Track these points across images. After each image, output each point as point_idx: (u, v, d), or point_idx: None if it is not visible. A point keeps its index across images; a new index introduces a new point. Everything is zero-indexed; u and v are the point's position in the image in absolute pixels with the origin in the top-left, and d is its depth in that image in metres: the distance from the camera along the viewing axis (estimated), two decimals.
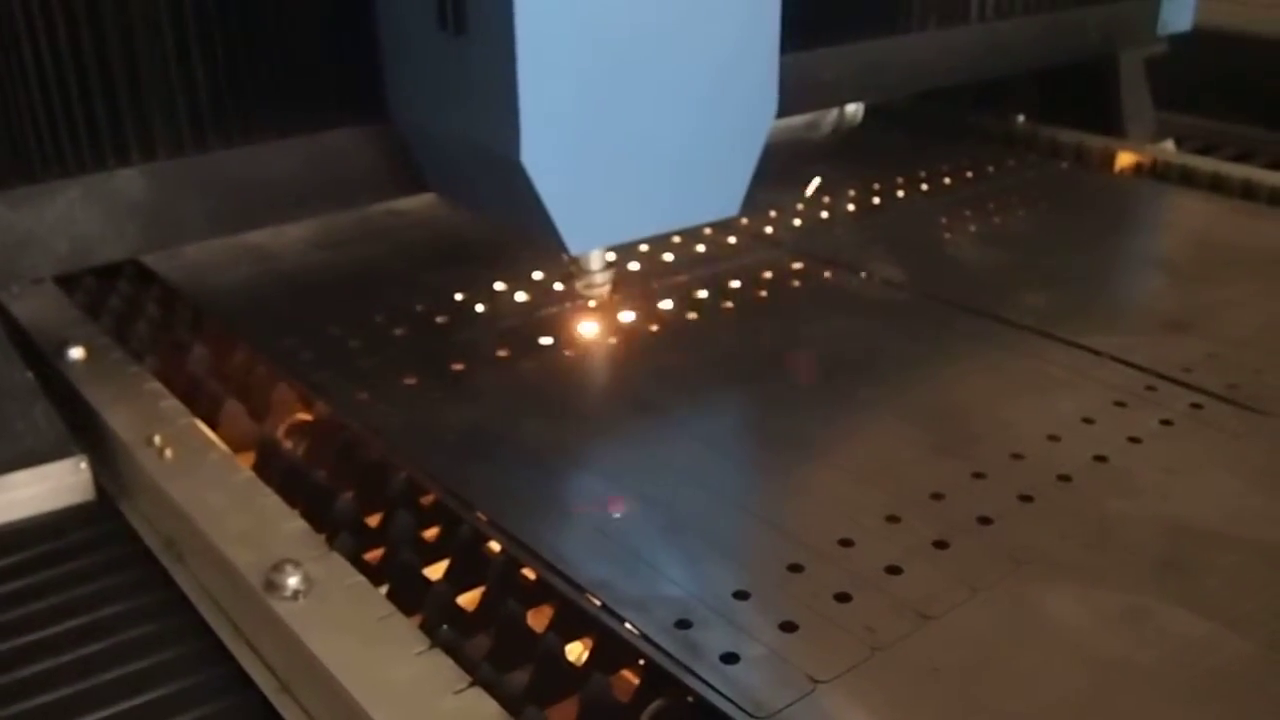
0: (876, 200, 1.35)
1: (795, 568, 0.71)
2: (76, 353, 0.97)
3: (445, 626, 0.68)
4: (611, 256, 0.97)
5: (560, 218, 0.86)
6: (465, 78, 0.86)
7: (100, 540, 0.84)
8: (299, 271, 1.15)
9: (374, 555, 0.78)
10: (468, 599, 0.74)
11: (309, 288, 1.12)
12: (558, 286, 1.09)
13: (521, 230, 0.91)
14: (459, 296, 1.08)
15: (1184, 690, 0.62)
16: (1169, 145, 1.63)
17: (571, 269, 0.97)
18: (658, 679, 0.64)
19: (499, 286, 1.10)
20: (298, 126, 0.96)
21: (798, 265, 1.16)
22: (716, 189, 0.92)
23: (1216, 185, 1.42)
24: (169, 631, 0.75)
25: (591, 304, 1.00)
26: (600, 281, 0.96)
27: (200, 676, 0.72)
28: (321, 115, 0.96)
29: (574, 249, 0.89)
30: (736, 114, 0.90)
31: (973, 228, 1.26)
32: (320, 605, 0.69)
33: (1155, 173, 1.48)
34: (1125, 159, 1.51)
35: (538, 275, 1.12)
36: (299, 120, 0.96)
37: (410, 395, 0.92)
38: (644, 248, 1.19)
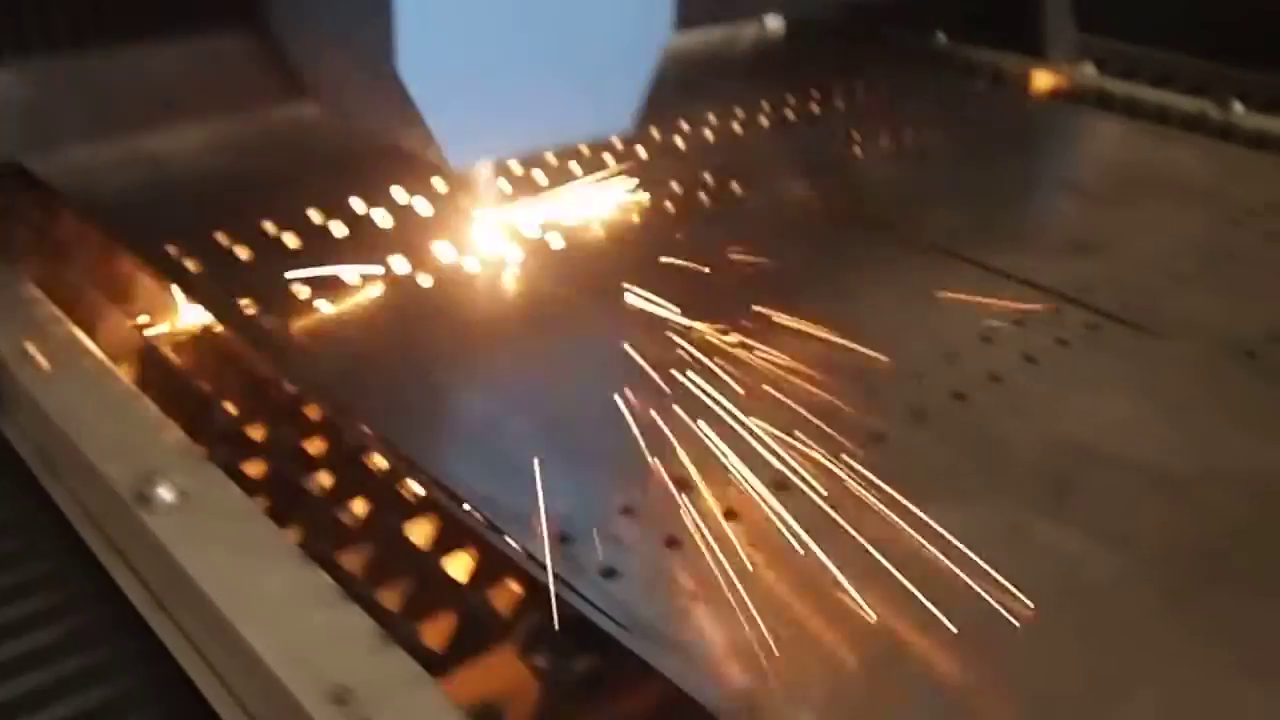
0: (791, 116, 1.33)
1: (682, 484, 0.70)
2: None
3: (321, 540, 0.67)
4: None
5: (440, 130, 0.83)
6: None
7: None
8: (191, 178, 1.11)
9: (255, 469, 0.76)
10: (349, 514, 0.72)
11: (200, 194, 1.07)
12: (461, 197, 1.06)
13: (403, 143, 0.88)
14: (359, 208, 1.04)
15: (1049, 603, 0.62)
16: (1088, 68, 1.62)
17: (458, 179, 0.95)
18: (536, 594, 0.63)
19: (400, 198, 1.07)
20: (177, 27, 0.92)
21: (706, 179, 1.14)
22: (609, 104, 0.90)
23: (1131, 109, 1.41)
24: (41, 544, 0.73)
25: (481, 214, 0.96)
26: (488, 193, 0.93)
27: (71, 589, 0.70)
28: (202, 16, 0.92)
29: (456, 163, 0.86)
30: (629, 26, 0.88)
31: (885, 146, 1.25)
32: (193, 518, 0.67)
33: (1071, 95, 1.47)
34: (1042, 80, 1.50)
35: (440, 186, 1.08)
36: (177, 21, 0.91)
37: (299, 307, 0.89)
38: (550, 159, 1.16)
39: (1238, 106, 1.36)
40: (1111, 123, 1.37)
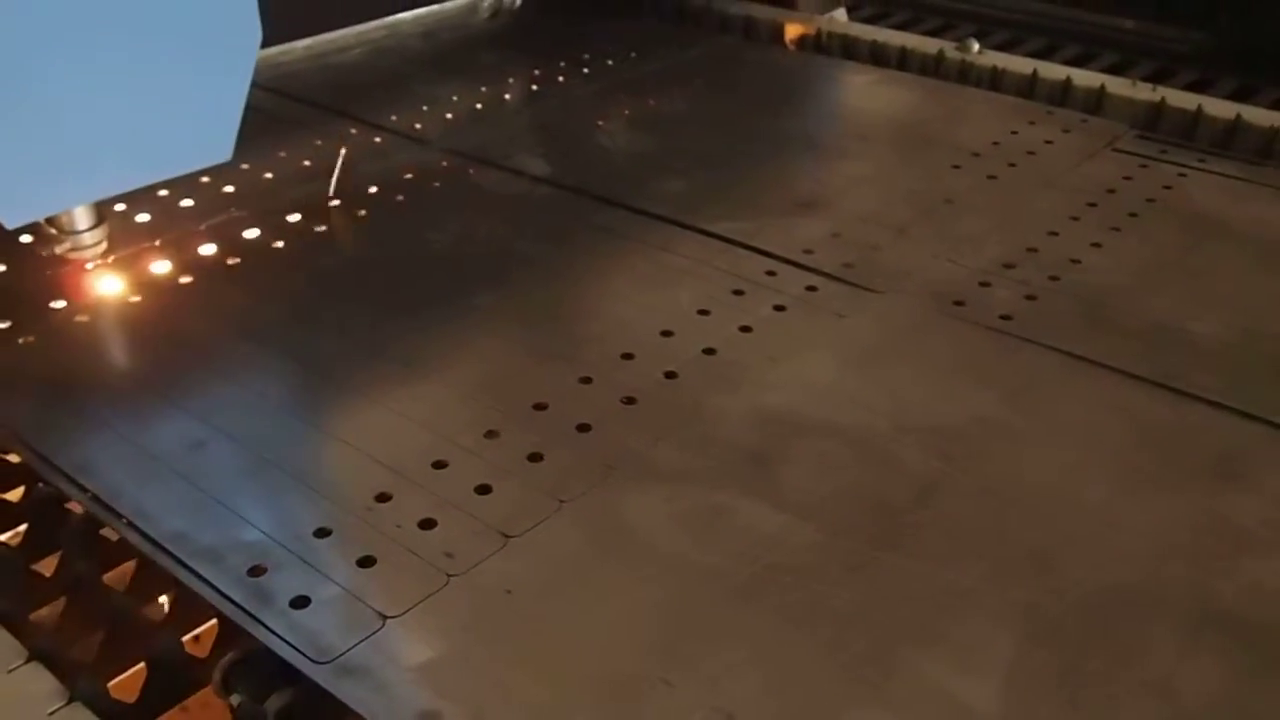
0: (535, 87, 1.32)
1: (383, 497, 0.70)
2: None
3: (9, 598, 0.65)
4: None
5: None
6: None
7: None
8: None
9: None
10: (45, 564, 0.70)
11: None
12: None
13: None
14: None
15: (745, 589, 0.63)
16: (839, 15, 1.65)
17: (48, 230, 0.87)
18: (229, 632, 0.62)
19: (120, 207, 1.03)
20: None
21: (443, 164, 1.13)
22: (197, 135, 0.82)
23: (876, 55, 1.44)
24: None
25: (90, 266, 0.90)
26: (90, 242, 0.87)
27: None
28: None
29: (11, 222, 0.76)
30: (207, 48, 0.80)
31: (627, 113, 1.25)
32: None
33: (819, 45, 1.49)
34: (792, 31, 1.52)
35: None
36: None
37: None
38: (281, 152, 1.14)
39: (975, 46, 1.40)
40: (852, 72, 1.39)
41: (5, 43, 0.70)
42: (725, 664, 0.59)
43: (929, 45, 1.42)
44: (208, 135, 0.82)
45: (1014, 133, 1.19)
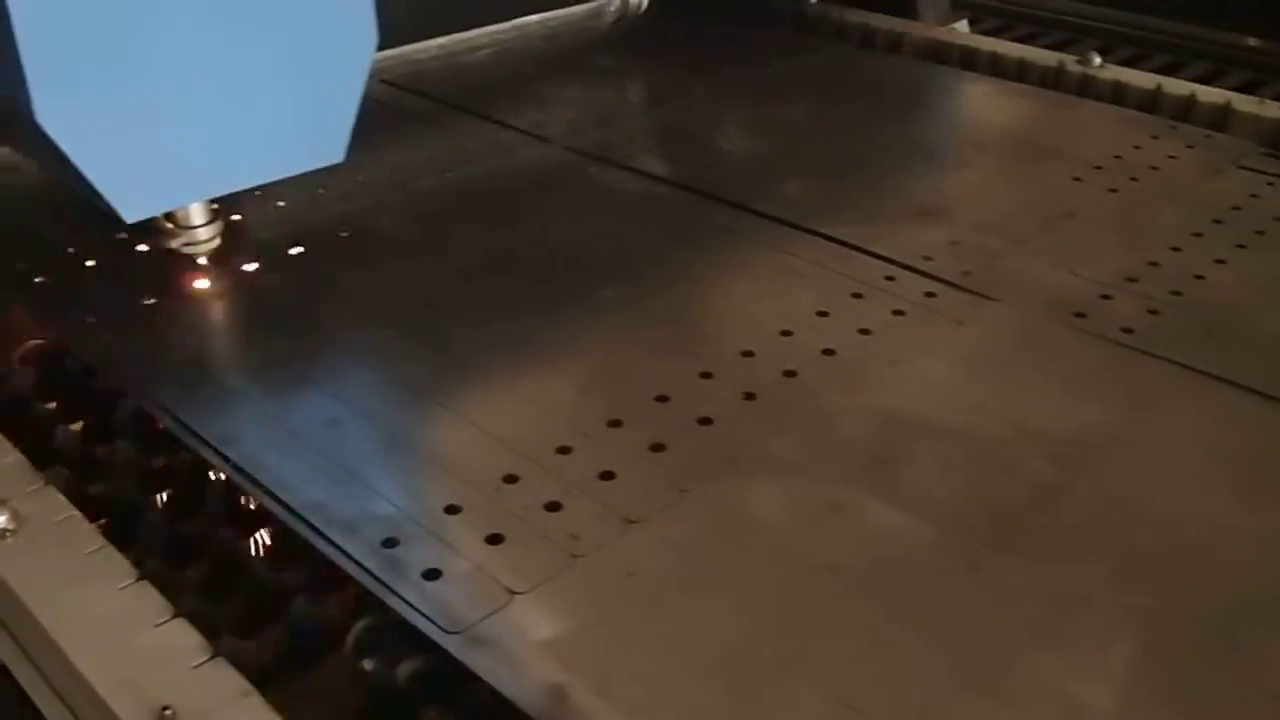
0: (655, 90, 1.35)
1: (510, 478, 0.72)
2: None
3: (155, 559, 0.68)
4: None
5: (105, 183, 0.76)
6: None
7: None
8: (44, 186, 1.10)
9: (95, 489, 0.76)
10: (186, 530, 0.73)
11: (53, 204, 1.07)
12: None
13: (91, 196, 0.79)
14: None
15: (864, 584, 0.64)
16: (961, 25, 1.64)
17: (167, 225, 0.90)
18: (363, 600, 0.65)
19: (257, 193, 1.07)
20: None
21: (565, 162, 1.15)
22: (311, 135, 0.84)
23: (995, 66, 1.44)
24: None
25: (202, 261, 0.93)
26: (204, 237, 0.90)
27: None
28: None
29: (129, 216, 0.79)
30: (325, 50, 0.82)
31: (746, 117, 1.26)
32: (28, 543, 0.68)
33: (938, 55, 1.49)
34: (910, 41, 1.52)
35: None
36: None
37: (146, 317, 0.90)
38: (411, 145, 1.17)
39: (1096, 59, 1.39)
40: (971, 82, 1.39)
41: (128, 41, 0.74)
42: (843, 655, 0.60)
43: (1048, 58, 1.41)
44: (322, 136, 0.85)
45: (1136, 147, 1.18)
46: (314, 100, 0.83)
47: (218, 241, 0.92)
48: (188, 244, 0.91)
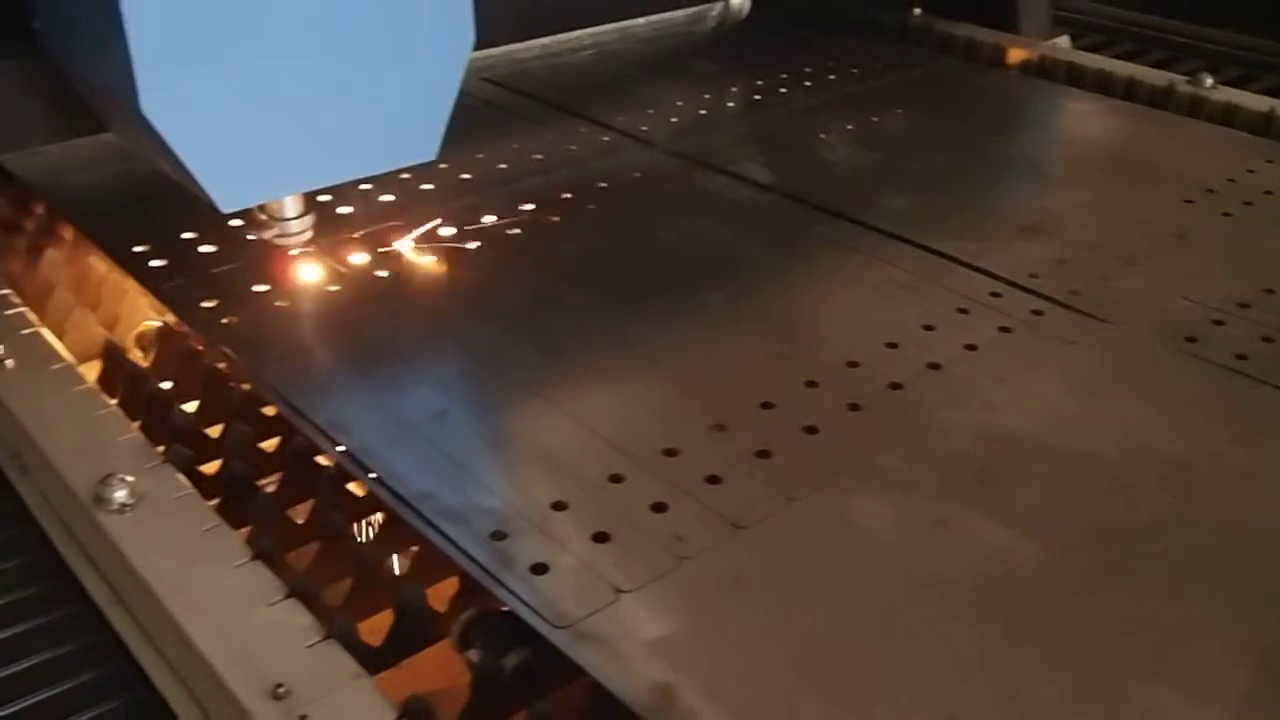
0: (757, 97, 1.35)
1: (616, 478, 0.72)
2: None
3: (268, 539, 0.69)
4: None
5: (204, 173, 0.78)
6: (84, 12, 0.79)
7: None
8: (161, 177, 1.13)
9: (210, 468, 0.78)
10: (299, 510, 0.75)
11: (168, 193, 1.09)
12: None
13: (188, 185, 0.81)
14: (325, 198, 1.06)
15: (971, 600, 0.64)
16: (1063, 40, 1.63)
17: (261, 215, 0.91)
18: (470, 590, 0.66)
19: (365, 186, 1.09)
20: None
21: (669, 165, 1.16)
22: (405, 133, 0.85)
23: (1102, 84, 1.42)
24: (8, 542, 0.76)
25: (294, 253, 0.94)
26: (297, 229, 0.91)
27: (37, 587, 0.73)
28: None
29: (226, 206, 0.81)
30: (422, 49, 0.83)
31: (850, 127, 1.26)
32: (147, 518, 0.70)
33: (1044, 70, 1.48)
34: (1014, 55, 1.51)
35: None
36: None
37: (259, 304, 0.91)
38: (514, 144, 1.19)
39: (1208, 80, 1.36)
40: (1077, 99, 1.37)
41: (231, 35, 0.76)
42: (949, 670, 0.60)
43: (1158, 77, 1.39)
44: (415, 134, 0.86)
45: (1250, 171, 1.16)
46: (409, 98, 0.85)
47: (310, 234, 0.93)
48: (280, 235, 0.92)
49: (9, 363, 0.84)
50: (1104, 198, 1.10)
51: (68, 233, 1.05)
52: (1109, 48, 1.80)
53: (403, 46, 0.82)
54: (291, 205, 0.91)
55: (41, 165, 1.13)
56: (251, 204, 0.88)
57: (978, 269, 0.97)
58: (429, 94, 0.85)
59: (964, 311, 0.91)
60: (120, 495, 0.71)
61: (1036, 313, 0.91)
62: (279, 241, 0.92)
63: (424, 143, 0.86)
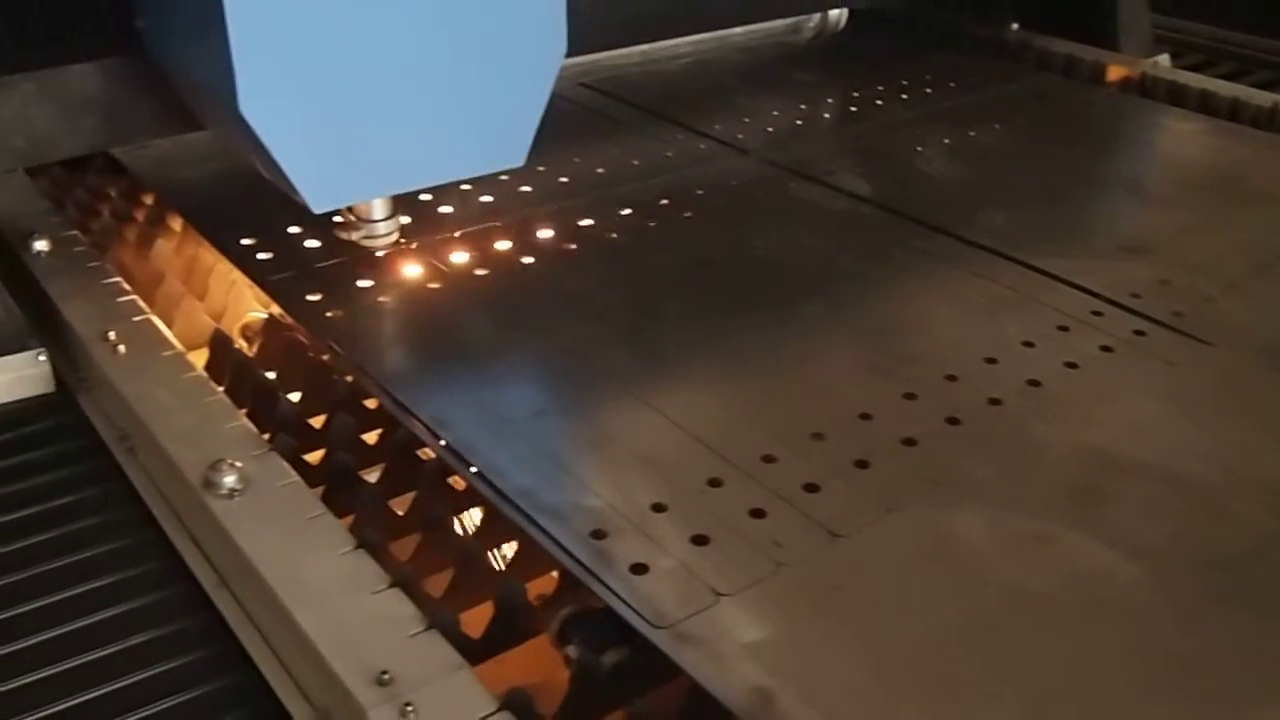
0: (854, 109, 1.35)
1: (715, 482, 0.73)
2: (41, 245, 0.99)
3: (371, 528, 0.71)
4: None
5: (297, 173, 0.80)
6: (185, 11, 0.81)
7: (57, 432, 0.86)
8: None
9: (314, 457, 0.80)
10: (400, 502, 0.76)
11: (274, 186, 1.12)
12: (523, 189, 1.10)
13: (281, 184, 0.83)
14: (426, 197, 1.08)
15: (1070, 618, 0.64)
16: (1163, 59, 1.60)
17: (348, 217, 0.93)
18: (570, 587, 0.67)
19: (465, 187, 1.10)
20: None
21: (764, 175, 1.16)
22: (494, 138, 0.86)
23: (1205, 103, 1.40)
24: (117, 523, 0.78)
25: (379, 254, 0.96)
26: (384, 231, 0.92)
27: (144, 567, 0.75)
28: None
29: (317, 207, 0.82)
30: (514, 55, 0.83)
31: (947, 141, 1.25)
32: (253, 503, 0.72)
33: (1143, 88, 1.46)
34: (1114, 73, 1.49)
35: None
36: None
37: (362, 299, 0.93)
38: (612, 150, 1.20)
39: None
40: (1179, 119, 1.35)
41: (329, 37, 0.77)
42: (1052, 689, 0.59)
43: (1263, 98, 1.37)
44: (504, 140, 0.87)
45: None
46: (500, 104, 0.86)
47: (396, 236, 0.95)
48: (367, 237, 0.94)
49: (120, 348, 0.87)
50: (1207, 219, 1.08)
51: (176, 224, 1.08)
52: (1209, 67, 1.77)
53: (495, 53, 0.83)
54: (379, 208, 0.93)
55: (152, 159, 1.16)
56: (342, 205, 0.90)
57: (1079, 287, 0.96)
58: (520, 100, 0.86)
59: (1064, 329, 0.90)
60: (230, 480, 0.73)
61: (1139, 333, 0.90)
62: (366, 243, 0.94)
63: (513, 148, 0.87)
